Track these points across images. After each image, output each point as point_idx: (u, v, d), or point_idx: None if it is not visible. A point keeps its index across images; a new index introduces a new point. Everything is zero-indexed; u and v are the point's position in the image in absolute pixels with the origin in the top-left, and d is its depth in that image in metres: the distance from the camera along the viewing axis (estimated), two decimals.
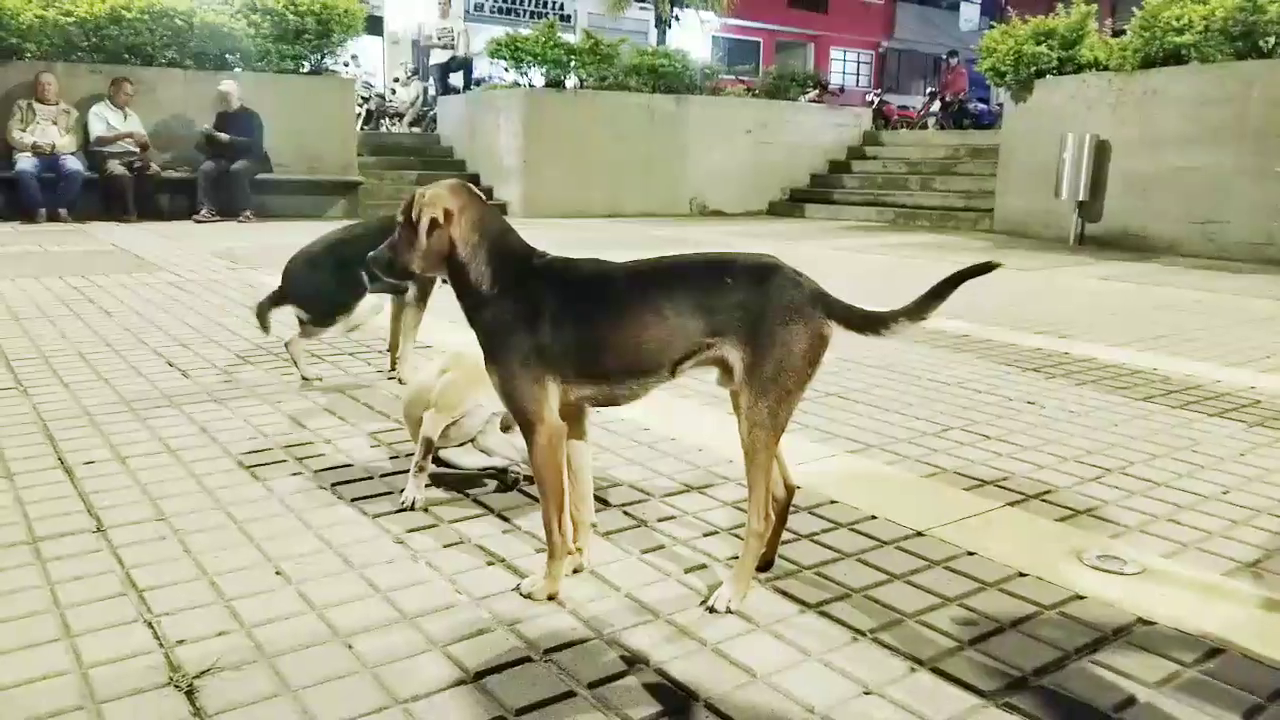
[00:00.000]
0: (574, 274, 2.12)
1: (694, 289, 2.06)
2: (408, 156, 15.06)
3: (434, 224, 2.04)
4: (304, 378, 3.97)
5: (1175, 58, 10.13)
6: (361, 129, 16.14)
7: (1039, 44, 11.44)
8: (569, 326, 2.04)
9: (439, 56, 16.98)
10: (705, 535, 2.47)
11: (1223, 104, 9.66)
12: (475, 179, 14.43)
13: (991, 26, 12.82)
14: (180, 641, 1.88)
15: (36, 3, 11.11)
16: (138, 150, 11.16)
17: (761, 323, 2.00)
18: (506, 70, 14.80)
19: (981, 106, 21.11)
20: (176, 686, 1.72)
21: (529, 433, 2.05)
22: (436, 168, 14.60)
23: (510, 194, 13.73)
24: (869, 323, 2.10)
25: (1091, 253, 10.14)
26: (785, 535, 2.38)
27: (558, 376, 2.04)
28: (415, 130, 18.06)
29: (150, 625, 1.94)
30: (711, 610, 2.05)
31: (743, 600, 2.07)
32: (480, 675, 1.78)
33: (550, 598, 2.07)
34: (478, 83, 17.32)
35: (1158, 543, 2.50)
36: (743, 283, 2.04)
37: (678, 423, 3.42)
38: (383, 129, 18.47)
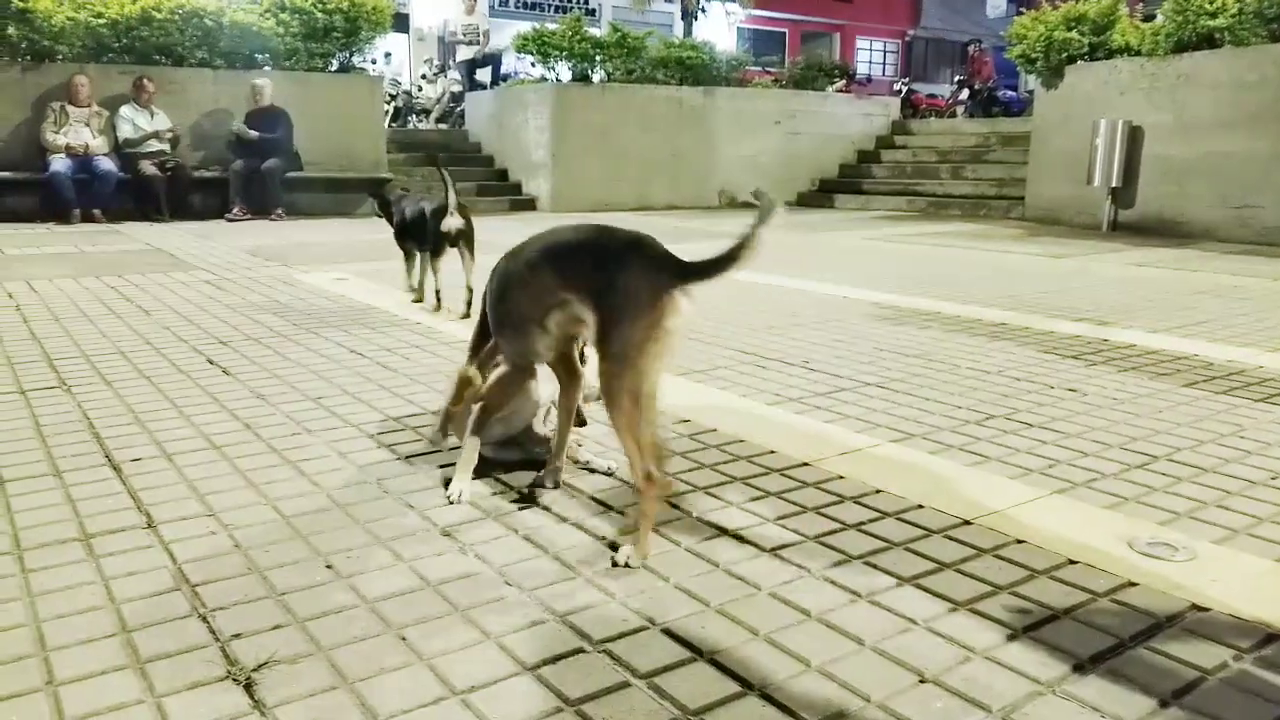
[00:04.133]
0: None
1: (564, 257, 2.32)
2: (436, 152, 15.08)
3: None
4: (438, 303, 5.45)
5: (1208, 41, 10.02)
6: (389, 126, 16.19)
7: (1069, 30, 11.33)
8: None
9: (465, 53, 17.01)
10: (751, 526, 2.46)
11: (1258, 87, 9.54)
12: (503, 174, 14.48)
13: (1020, 13, 12.71)
14: (236, 635, 1.89)
15: (68, 5, 11.21)
16: (169, 149, 11.27)
17: (611, 289, 2.16)
18: (533, 65, 14.80)
19: (1011, 94, 20.92)
20: (235, 680, 1.74)
21: None
22: (465, 163, 14.63)
23: (539, 189, 13.75)
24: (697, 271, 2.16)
25: (1125, 239, 10.05)
26: (832, 525, 2.42)
27: None
28: (442, 126, 18.09)
29: (205, 619, 1.96)
30: (623, 565, 2.18)
31: (644, 558, 2.19)
32: (536, 666, 1.79)
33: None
34: (504, 78, 17.34)
35: (1208, 529, 2.48)
36: (601, 251, 2.24)
37: (717, 414, 3.41)
38: (410, 125, 18.53)
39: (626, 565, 2.17)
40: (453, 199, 5.24)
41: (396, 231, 5.77)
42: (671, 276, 2.13)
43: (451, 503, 2.57)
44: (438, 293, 5.52)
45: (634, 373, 2.12)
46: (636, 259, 2.19)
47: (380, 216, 6.08)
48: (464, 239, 5.34)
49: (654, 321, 2.11)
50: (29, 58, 11.01)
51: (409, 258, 5.83)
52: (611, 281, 2.16)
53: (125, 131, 11.02)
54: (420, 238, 5.58)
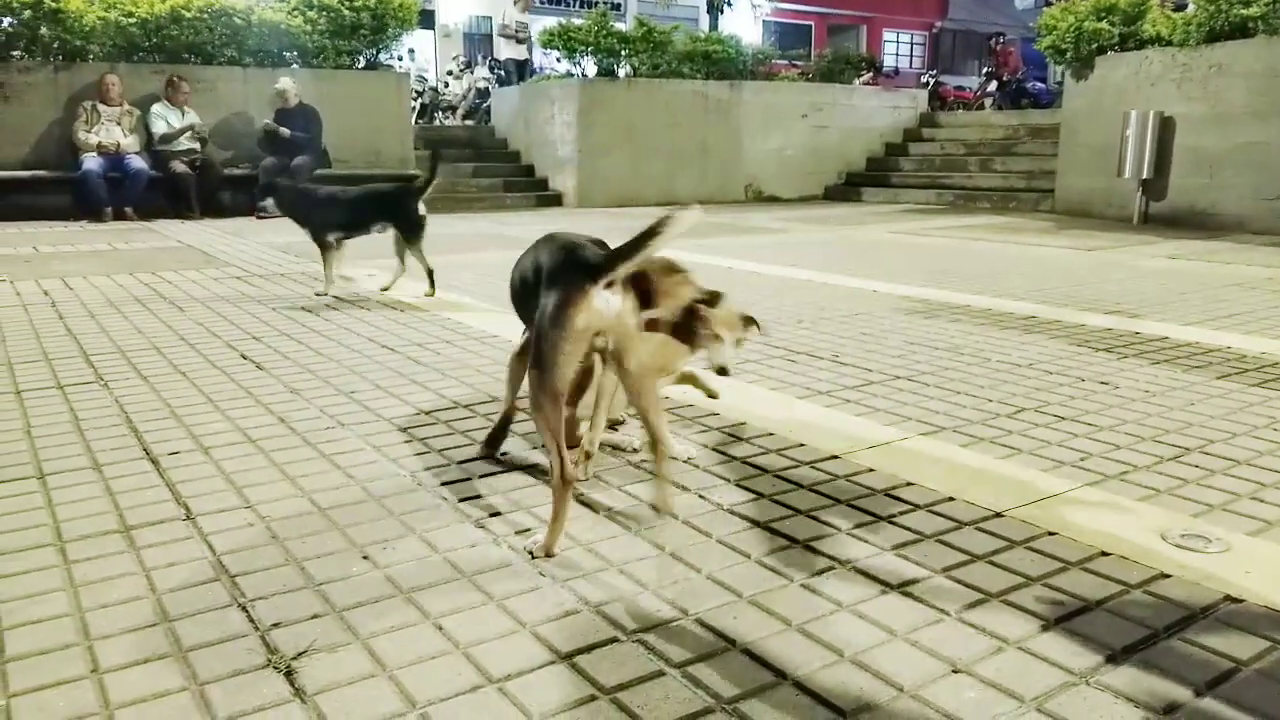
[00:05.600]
0: None
1: (532, 262, 2.37)
2: (463, 149, 15.14)
3: None
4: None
5: (1241, 31, 9.92)
6: (416, 123, 16.26)
7: (1100, 20, 11.25)
8: None
9: (512, 49, 17.12)
10: (782, 518, 2.47)
11: None
12: (530, 170, 14.51)
13: (1049, 4, 12.63)
14: (275, 625, 1.92)
15: (99, 5, 11.34)
16: (199, 147, 11.37)
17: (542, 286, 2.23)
18: (559, 60, 14.85)
19: (1039, 85, 20.78)
20: (275, 668, 1.76)
21: None
22: (491, 159, 14.70)
23: (565, 184, 13.78)
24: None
25: (1157, 231, 9.97)
26: (863, 518, 2.42)
27: None
28: (469, 122, 18.16)
29: (244, 609, 1.98)
30: (532, 555, 2.22)
31: (548, 552, 2.21)
32: (570, 655, 1.80)
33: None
34: (531, 74, 17.41)
35: (1242, 521, 2.47)
36: (542, 253, 2.33)
37: (746, 408, 3.42)
38: (436, 122, 18.61)
39: (532, 555, 2.22)
40: (430, 189, 5.76)
41: (318, 222, 5.94)
42: (582, 278, 2.14)
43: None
44: (430, 273, 5.83)
45: (553, 378, 2.14)
46: (553, 267, 2.23)
47: (281, 213, 6.18)
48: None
49: (564, 322, 2.12)
50: (61, 57, 11.17)
51: (328, 250, 5.92)
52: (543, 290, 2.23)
53: (160, 128, 11.14)
54: (349, 224, 5.90)
